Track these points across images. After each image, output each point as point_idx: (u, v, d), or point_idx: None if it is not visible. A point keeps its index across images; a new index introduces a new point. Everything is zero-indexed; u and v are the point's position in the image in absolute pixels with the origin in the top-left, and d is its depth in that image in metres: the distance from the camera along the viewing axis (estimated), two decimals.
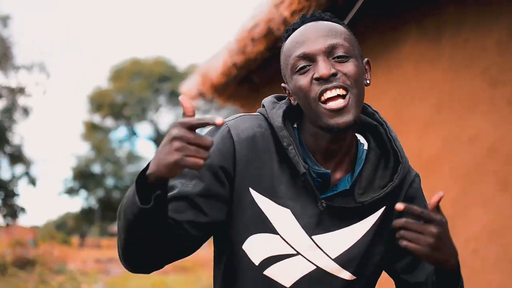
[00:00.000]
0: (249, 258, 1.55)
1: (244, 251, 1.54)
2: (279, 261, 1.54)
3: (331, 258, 1.55)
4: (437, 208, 1.37)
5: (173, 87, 40.59)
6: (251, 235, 1.55)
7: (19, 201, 45.46)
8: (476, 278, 3.28)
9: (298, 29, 1.54)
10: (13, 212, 39.15)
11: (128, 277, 17.84)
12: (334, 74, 1.43)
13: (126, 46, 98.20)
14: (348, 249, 1.57)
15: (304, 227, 1.54)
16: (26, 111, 41.73)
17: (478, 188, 3.34)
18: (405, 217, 1.38)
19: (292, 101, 1.58)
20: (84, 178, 42.75)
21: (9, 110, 40.73)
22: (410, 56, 3.77)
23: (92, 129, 43.23)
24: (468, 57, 3.35)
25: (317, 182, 1.54)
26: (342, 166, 1.59)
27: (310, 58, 1.46)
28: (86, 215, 45.52)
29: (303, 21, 1.55)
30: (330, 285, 1.57)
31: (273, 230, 1.53)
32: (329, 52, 1.46)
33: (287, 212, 1.53)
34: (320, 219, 1.54)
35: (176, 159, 1.19)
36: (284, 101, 1.64)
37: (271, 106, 1.62)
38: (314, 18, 1.55)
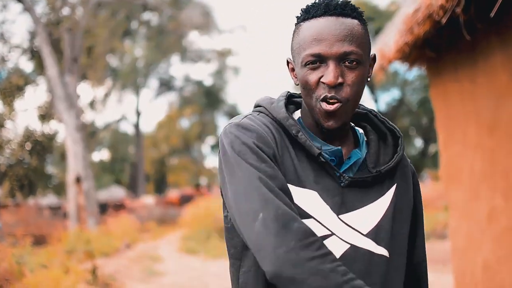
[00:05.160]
0: None
1: None
2: None
3: (362, 234, 1.62)
4: None
5: (377, 26, 40.11)
6: None
7: None
8: None
9: (318, 19, 1.59)
10: None
11: None
12: (340, 84, 1.56)
13: None
14: (377, 224, 1.64)
15: (331, 207, 1.60)
16: (236, 71, 43.83)
17: None
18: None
19: (292, 77, 1.71)
20: None
21: (220, 72, 43.02)
22: None
23: None
24: None
25: (332, 160, 1.65)
26: (346, 145, 1.71)
27: (322, 59, 1.56)
28: None
29: (326, 10, 1.58)
30: (370, 263, 1.61)
31: (306, 215, 1.57)
32: (342, 58, 1.55)
33: (315, 195, 1.60)
34: (344, 198, 1.62)
35: None
36: (280, 96, 1.75)
37: (270, 102, 1.73)
38: (337, 13, 1.58)
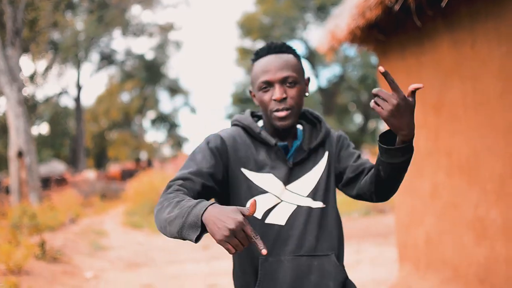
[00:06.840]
0: (254, 215, 2.21)
1: None
2: (272, 209, 2.24)
3: (303, 196, 2.28)
4: (412, 94, 1.88)
5: (319, 3, 40.28)
6: (250, 199, 2.24)
7: (182, 132, 47.79)
8: None
9: (265, 57, 2.29)
10: (177, 142, 41.49)
11: None
12: (284, 98, 2.23)
13: None
14: (315, 186, 2.31)
15: (283, 182, 2.27)
16: (178, 45, 43.56)
17: None
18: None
19: (254, 101, 2.36)
20: (242, 102, 43.96)
21: (162, 46, 42.78)
22: None
23: (244, 54, 43.90)
24: None
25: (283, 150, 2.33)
26: (291, 139, 2.39)
27: (270, 84, 2.25)
28: None
29: (268, 51, 2.29)
30: (309, 214, 2.27)
31: (264, 191, 2.25)
32: (283, 81, 2.24)
33: (271, 176, 2.28)
34: (291, 174, 2.29)
35: (223, 240, 1.68)
36: (246, 112, 2.46)
37: (240, 115, 2.44)
38: (276, 51, 2.28)
